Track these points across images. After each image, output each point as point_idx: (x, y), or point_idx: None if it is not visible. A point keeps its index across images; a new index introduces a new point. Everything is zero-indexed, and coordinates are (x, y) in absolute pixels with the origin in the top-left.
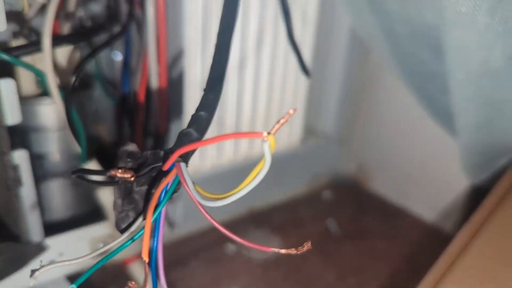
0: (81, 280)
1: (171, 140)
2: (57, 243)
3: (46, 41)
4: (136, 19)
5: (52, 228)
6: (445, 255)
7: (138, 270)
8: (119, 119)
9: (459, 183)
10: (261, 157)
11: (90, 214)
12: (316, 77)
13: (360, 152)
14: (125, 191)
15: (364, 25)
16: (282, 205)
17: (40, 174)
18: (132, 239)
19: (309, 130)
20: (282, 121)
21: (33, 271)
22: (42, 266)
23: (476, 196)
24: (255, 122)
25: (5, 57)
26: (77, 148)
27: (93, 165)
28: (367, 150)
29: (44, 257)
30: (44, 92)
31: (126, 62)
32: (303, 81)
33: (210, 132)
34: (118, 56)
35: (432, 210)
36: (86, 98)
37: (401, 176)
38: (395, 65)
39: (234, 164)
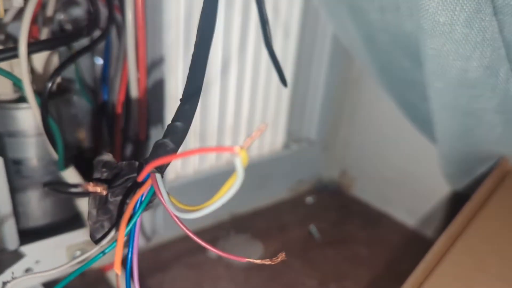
0: None
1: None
2: (34, 251)
3: (22, 46)
4: (116, 24)
5: (28, 235)
6: (424, 262)
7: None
8: (98, 125)
9: (440, 189)
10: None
11: (68, 221)
12: (299, 83)
13: (343, 158)
14: (99, 202)
15: (346, 34)
16: (265, 210)
17: (17, 180)
18: (103, 252)
19: (292, 136)
20: (253, 136)
21: (4, 283)
22: (13, 278)
23: (457, 202)
24: (238, 130)
25: None
26: (54, 155)
27: (70, 172)
28: (350, 156)
29: (20, 265)
30: (23, 97)
31: (105, 68)
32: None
33: (192, 141)
34: (100, 61)
35: (413, 216)
36: (65, 104)
37: (384, 181)
38: (377, 72)
39: (216, 170)
